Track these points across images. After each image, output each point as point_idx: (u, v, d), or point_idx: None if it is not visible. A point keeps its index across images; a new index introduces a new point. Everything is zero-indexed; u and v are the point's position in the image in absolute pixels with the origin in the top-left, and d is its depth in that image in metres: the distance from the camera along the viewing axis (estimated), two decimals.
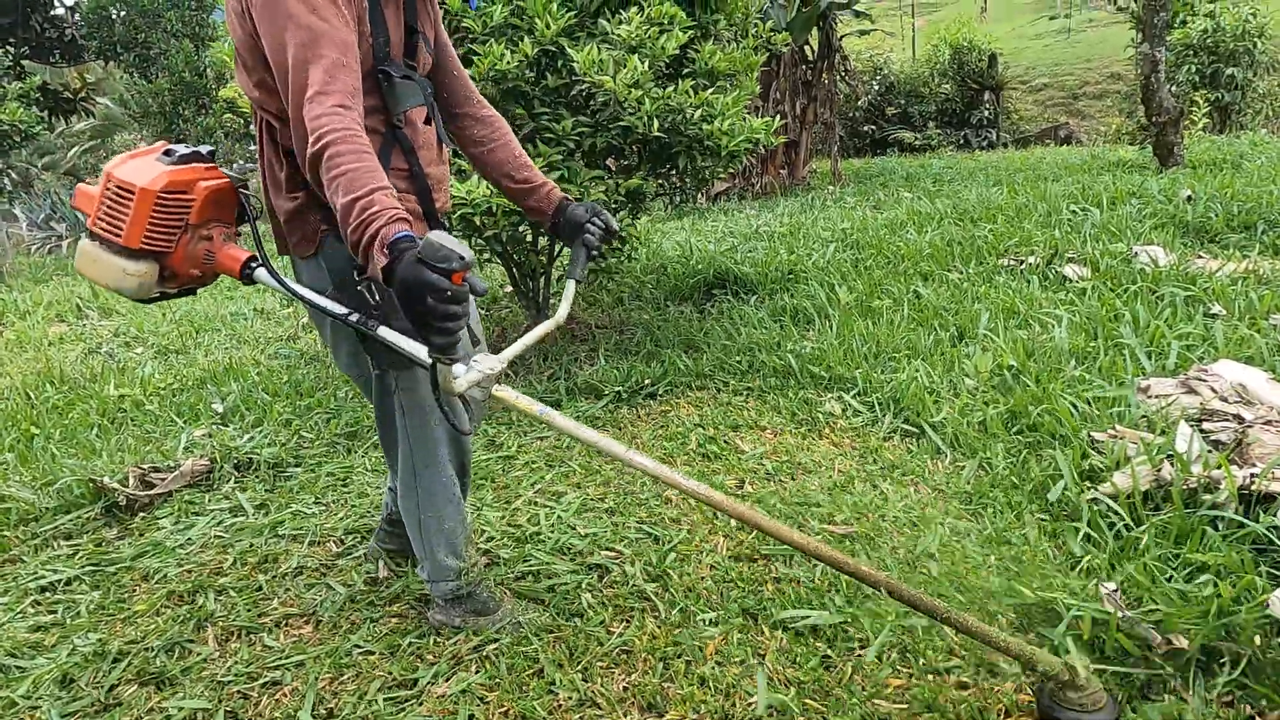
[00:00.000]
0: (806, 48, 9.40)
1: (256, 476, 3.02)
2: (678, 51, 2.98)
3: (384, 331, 1.54)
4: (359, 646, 1.97)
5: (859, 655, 1.75)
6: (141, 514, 2.83)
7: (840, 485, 2.48)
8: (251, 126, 1.87)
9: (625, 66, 2.80)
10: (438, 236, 1.26)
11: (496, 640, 1.92)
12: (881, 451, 2.66)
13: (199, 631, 2.09)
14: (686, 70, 3.32)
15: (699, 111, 3.09)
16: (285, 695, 1.83)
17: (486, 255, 3.68)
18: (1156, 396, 2.40)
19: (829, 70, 9.32)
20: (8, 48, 11.85)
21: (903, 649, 1.75)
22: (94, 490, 2.85)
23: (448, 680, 1.83)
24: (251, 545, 2.50)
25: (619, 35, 2.90)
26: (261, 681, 1.87)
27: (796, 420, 2.98)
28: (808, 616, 1.87)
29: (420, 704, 1.77)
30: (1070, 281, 3.81)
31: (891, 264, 4.50)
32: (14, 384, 4.48)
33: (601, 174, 3.19)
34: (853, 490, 2.44)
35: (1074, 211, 5.09)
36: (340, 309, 1.57)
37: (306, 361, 4.39)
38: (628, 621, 1.96)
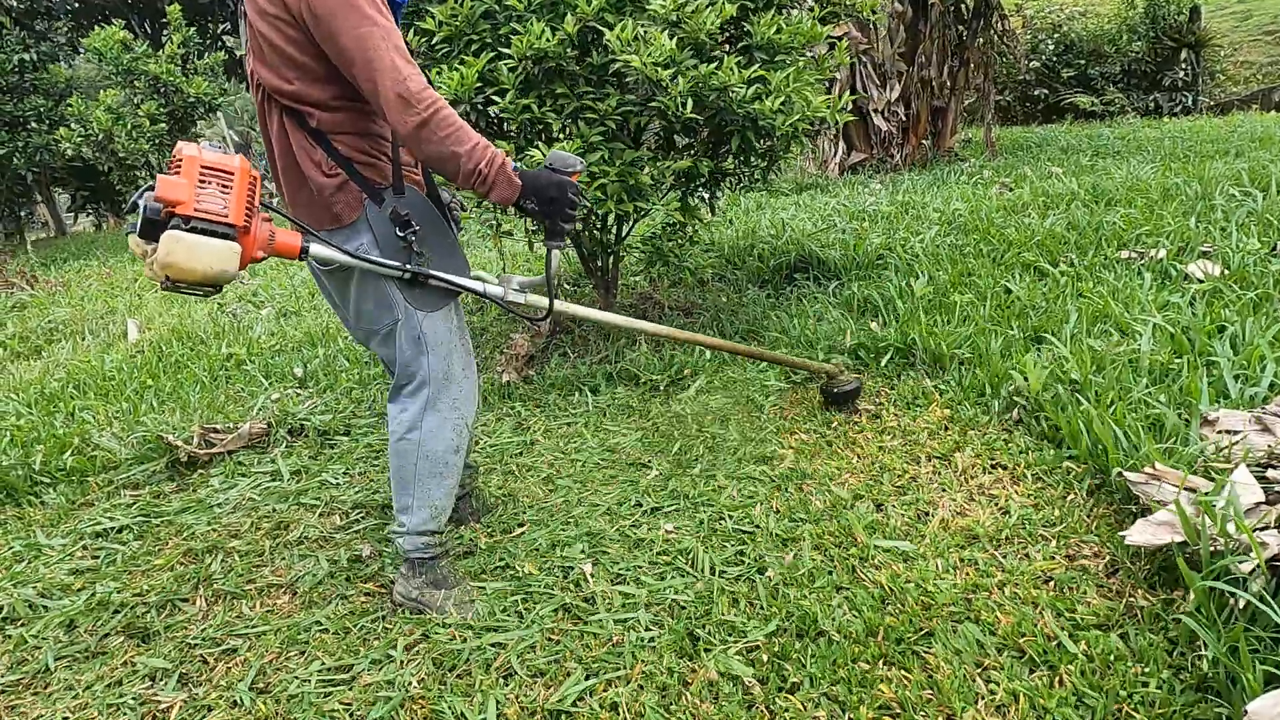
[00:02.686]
0: (961, 5, 8.67)
1: (305, 443, 3.20)
2: (718, 27, 2.81)
3: (436, 272, 1.88)
4: (318, 624, 2.04)
5: None
6: (200, 470, 3.07)
7: (845, 503, 2.30)
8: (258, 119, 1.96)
9: (653, 44, 2.67)
10: (559, 151, 1.88)
11: (441, 622, 1.98)
12: (886, 477, 2.43)
13: (194, 591, 2.24)
14: (742, 44, 3.13)
15: (751, 89, 2.90)
16: (237, 665, 1.93)
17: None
18: (1223, 432, 2.03)
19: (984, 30, 8.56)
20: (207, 23, 12.96)
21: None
22: (163, 445, 3.12)
23: (381, 669, 1.86)
24: (273, 511, 2.65)
25: (655, 9, 2.77)
26: (222, 648, 1.98)
27: (816, 428, 2.79)
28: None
29: (349, 689, 1.81)
30: (1191, 280, 3.31)
31: (994, 252, 4.09)
32: (153, 337, 4.99)
33: (643, 154, 3.08)
34: (859, 510, 2.25)
35: (1231, 196, 4.41)
36: (394, 263, 1.84)
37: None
38: (562, 634, 1.91)
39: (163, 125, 9.15)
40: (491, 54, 3.00)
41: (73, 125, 9.13)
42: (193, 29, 9.25)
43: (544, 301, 2.02)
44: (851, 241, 4.50)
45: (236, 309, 5.40)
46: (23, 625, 2.17)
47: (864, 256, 4.25)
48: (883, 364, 3.14)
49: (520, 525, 2.38)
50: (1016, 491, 2.26)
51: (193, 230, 1.59)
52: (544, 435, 3.01)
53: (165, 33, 9.37)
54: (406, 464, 2.01)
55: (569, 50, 2.95)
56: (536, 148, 2.93)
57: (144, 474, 3.07)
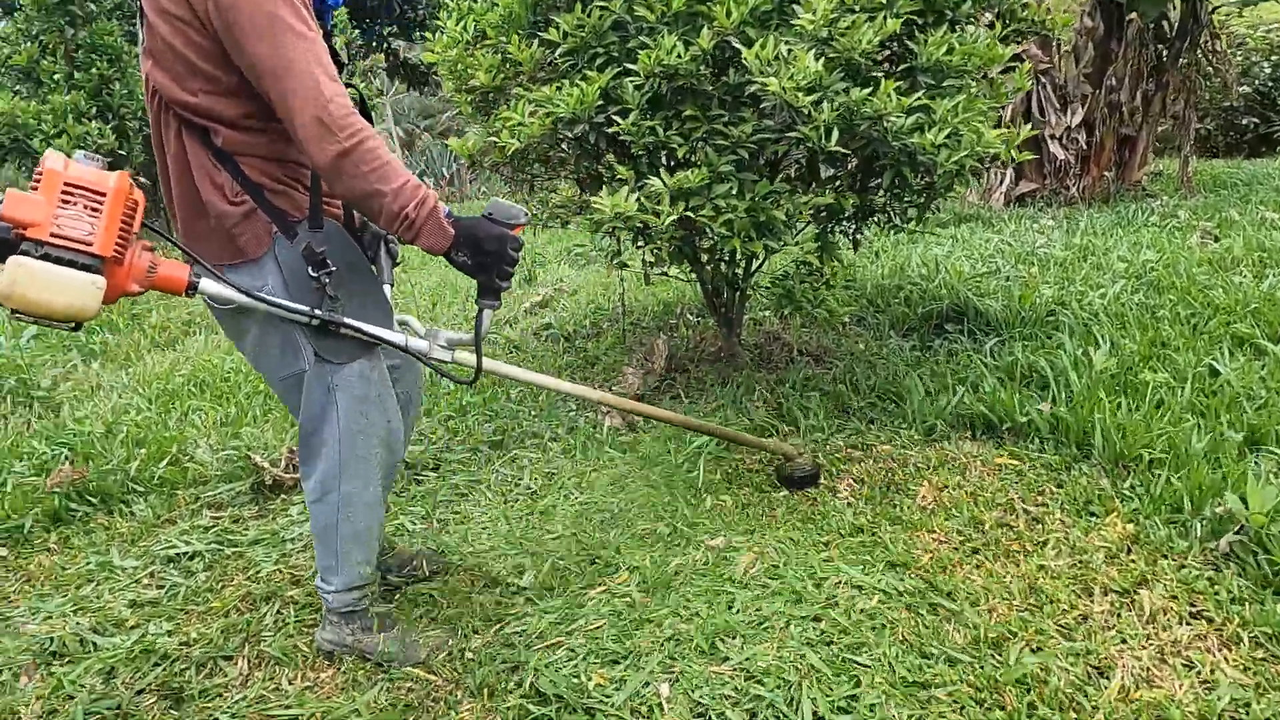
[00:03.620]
0: (1164, 23, 7.71)
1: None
2: (876, 45, 2.39)
3: (351, 321, 1.67)
4: (356, 713, 1.79)
5: None
6: (282, 496, 2.93)
7: (992, 643, 1.84)
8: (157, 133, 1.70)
9: (795, 65, 2.29)
10: (500, 200, 1.68)
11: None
12: (1048, 611, 1.95)
13: (240, 648, 2.05)
14: (905, 65, 2.69)
15: (910, 119, 2.47)
16: None
17: (661, 267, 3.35)
18: None
19: (1189, 50, 7.57)
20: (375, 26, 13.46)
21: None
22: (251, 465, 3.01)
23: None
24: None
25: (801, 25, 2.38)
26: None
27: (961, 526, 2.32)
28: None
29: None
30: None
31: (1195, 318, 3.44)
32: None
33: (779, 188, 2.70)
34: (1009, 655, 1.80)
35: None
36: (302, 307, 1.63)
37: (507, 350, 4.40)
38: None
39: None
40: (617, 69, 2.71)
41: None
42: (357, 30, 9.58)
43: (472, 360, 1.85)
44: (1017, 291, 3.93)
45: None
46: (69, 663, 2.05)
47: (1031, 311, 3.68)
48: (1048, 453, 2.63)
49: (582, 613, 2.05)
50: (1226, 659, 1.74)
51: (45, 258, 1.36)
52: (624, 502, 2.68)
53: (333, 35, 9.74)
54: (327, 525, 1.84)
55: (703, 68, 2.62)
56: (658, 175, 2.61)
57: (229, 493, 2.96)
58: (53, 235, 1.37)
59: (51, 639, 2.12)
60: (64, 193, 1.39)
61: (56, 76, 7.55)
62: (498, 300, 1.73)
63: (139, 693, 1.92)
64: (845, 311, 3.32)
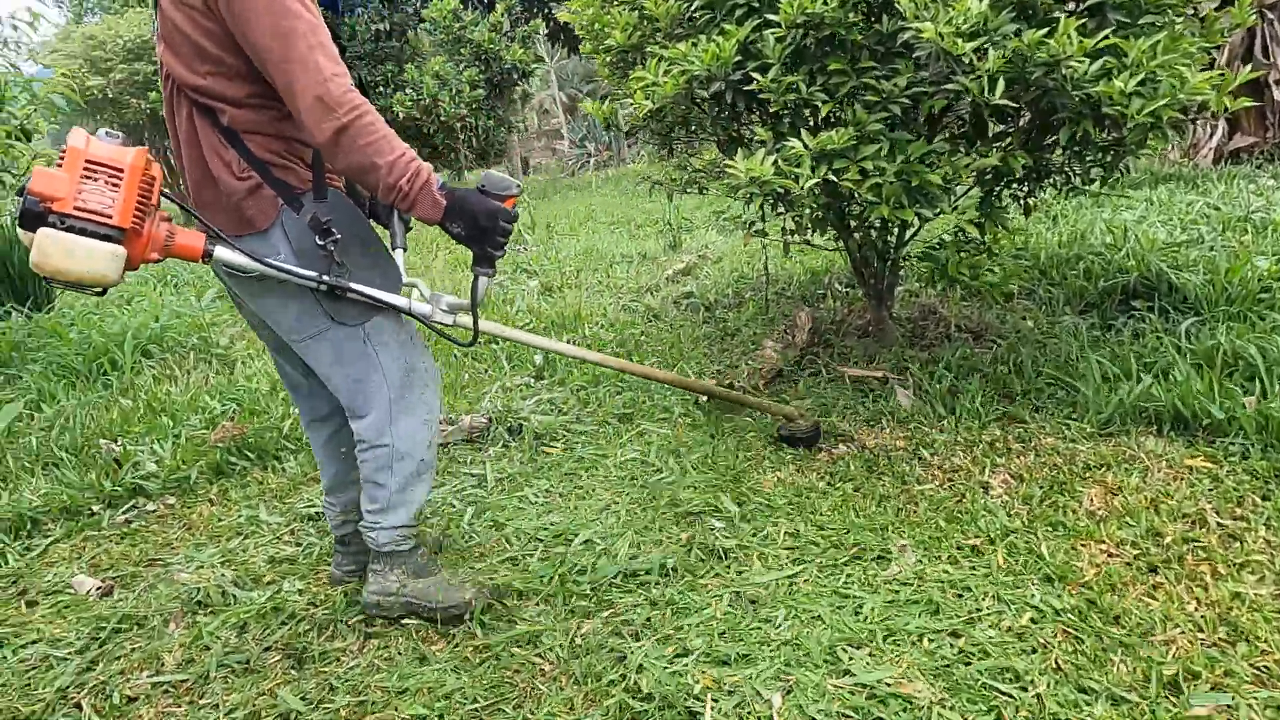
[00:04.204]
0: None
1: (520, 446, 3.00)
2: None
3: (357, 285, 1.75)
4: (460, 691, 1.77)
5: None
6: None
7: (1168, 681, 1.57)
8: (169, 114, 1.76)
9: (955, 7, 2.00)
10: (493, 173, 1.73)
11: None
12: (1241, 650, 1.63)
13: (361, 613, 2.08)
14: (1090, 1, 2.31)
15: (1094, 65, 2.13)
16: None
17: (807, 234, 3.13)
18: None
19: None
20: None
21: None
22: None
23: None
24: (461, 530, 2.46)
25: None
26: (359, 699, 1.78)
27: (1137, 537, 2.01)
28: None
29: None
30: None
31: None
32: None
33: (938, 148, 2.42)
34: (1188, 700, 1.53)
35: None
36: (310, 273, 1.71)
37: (646, 319, 4.31)
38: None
39: (481, 91, 9.76)
40: (757, 20, 2.51)
41: (407, 90, 10.04)
42: None
43: (487, 327, 1.95)
44: (1223, 263, 3.40)
45: (505, 280, 5.47)
46: (210, 614, 2.16)
47: (1240, 287, 3.17)
48: (1252, 458, 2.24)
49: (695, 605, 1.93)
50: None
51: (70, 230, 1.47)
52: (749, 486, 2.52)
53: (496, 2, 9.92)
54: (381, 470, 1.91)
55: (851, 15, 2.37)
56: (798, 135, 2.40)
57: None
58: (76, 208, 1.48)
59: (199, 589, 2.25)
60: (85, 169, 1.49)
61: None
62: (492, 268, 1.79)
63: (266, 649, 1.99)
64: (1007, 286, 3.00)
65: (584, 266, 5.60)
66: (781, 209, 2.83)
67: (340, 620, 2.06)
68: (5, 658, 2.09)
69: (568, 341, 3.96)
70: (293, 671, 1.90)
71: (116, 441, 3.36)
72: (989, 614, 1.79)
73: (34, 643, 2.15)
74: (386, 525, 1.96)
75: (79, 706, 1.87)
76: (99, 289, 1.58)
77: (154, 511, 2.88)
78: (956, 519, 2.18)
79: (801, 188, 2.30)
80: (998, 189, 2.78)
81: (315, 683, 1.85)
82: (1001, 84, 2.06)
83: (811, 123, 2.59)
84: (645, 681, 1.72)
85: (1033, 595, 1.83)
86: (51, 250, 1.47)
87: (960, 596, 1.87)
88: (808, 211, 2.63)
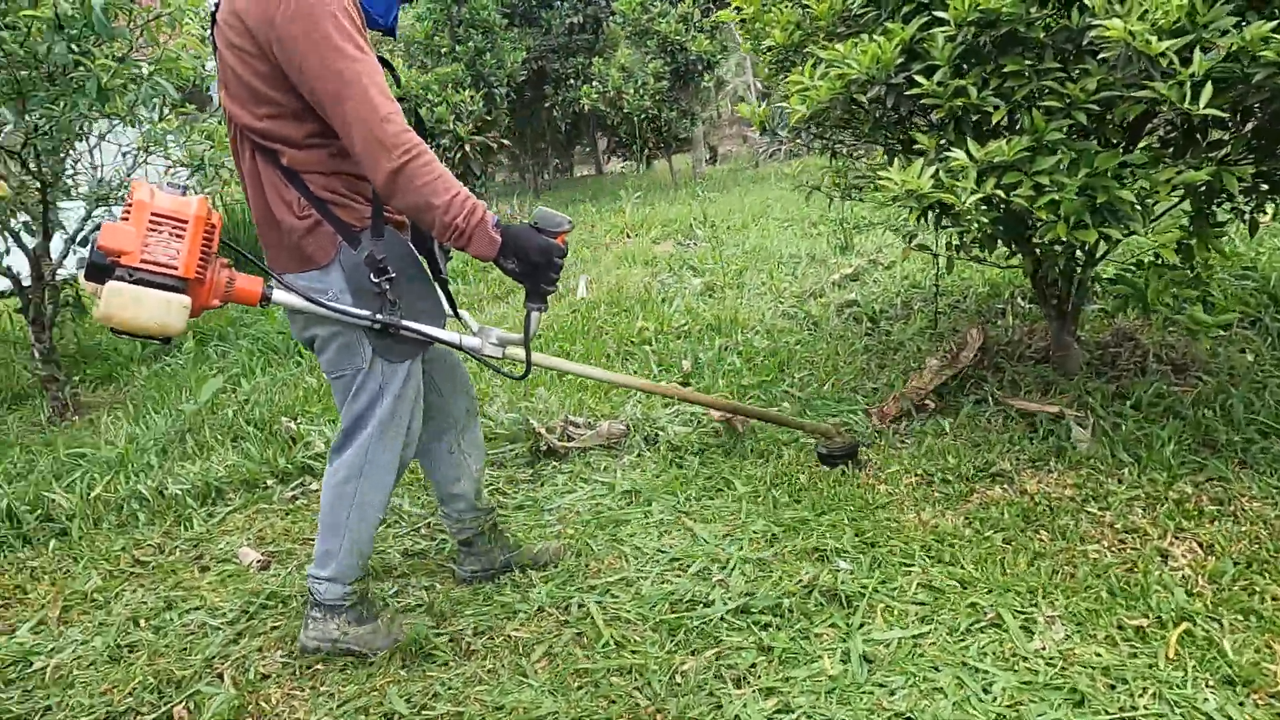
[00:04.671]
0: None
1: (654, 456, 2.96)
2: None
3: (410, 323, 1.80)
4: (555, 715, 1.75)
5: None
6: (554, 464, 3.02)
7: None
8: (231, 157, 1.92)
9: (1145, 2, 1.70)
10: (546, 210, 1.76)
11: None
12: None
13: (470, 620, 2.12)
14: None
15: None
16: None
17: (975, 250, 2.85)
18: None
19: None
20: None
21: None
22: (531, 430, 3.14)
23: None
24: (580, 541, 2.44)
25: None
26: (454, 708, 1.81)
27: None
28: None
29: None
30: None
31: None
32: (588, 299, 5.24)
33: (1136, 159, 2.11)
34: None
35: None
36: (364, 312, 1.76)
37: (805, 327, 4.13)
38: None
39: (665, 83, 9.79)
40: (924, 18, 2.29)
41: (594, 83, 10.24)
42: None
43: (522, 355, 1.97)
44: None
45: (668, 278, 5.44)
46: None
47: None
48: None
49: (807, 656, 1.79)
50: None
51: (138, 282, 1.51)
52: (883, 527, 2.31)
53: None
54: (339, 510, 1.93)
55: (1033, 9, 2.10)
56: (964, 146, 2.17)
57: (510, 454, 3.13)
58: (143, 261, 1.52)
59: None
60: (151, 222, 1.53)
61: (443, 50, 8.63)
62: (544, 304, 1.82)
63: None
64: (1233, 303, 2.59)
65: (749, 266, 5.47)
66: (947, 223, 2.59)
67: (453, 624, 2.11)
68: (171, 620, 2.32)
69: (721, 346, 3.87)
70: (402, 672, 1.96)
71: (295, 420, 3.65)
72: (1146, 716, 1.54)
73: (197, 609, 2.36)
74: (326, 574, 1.97)
75: (220, 677, 2.03)
76: (165, 338, 1.61)
77: (316, 491, 3.09)
78: (1123, 591, 1.90)
79: (962, 202, 2.08)
80: (1212, 205, 2.39)
81: (420, 686, 1.90)
82: (1209, 90, 1.74)
83: (980, 131, 2.33)
84: None
85: (1206, 700, 1.55)
86: (119, 303, 1.51)
87: (1113, 688, 1.62)
88: (975, 227, 2.38)
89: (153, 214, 1.54)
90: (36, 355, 4.41)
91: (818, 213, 6.79)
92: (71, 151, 4.47)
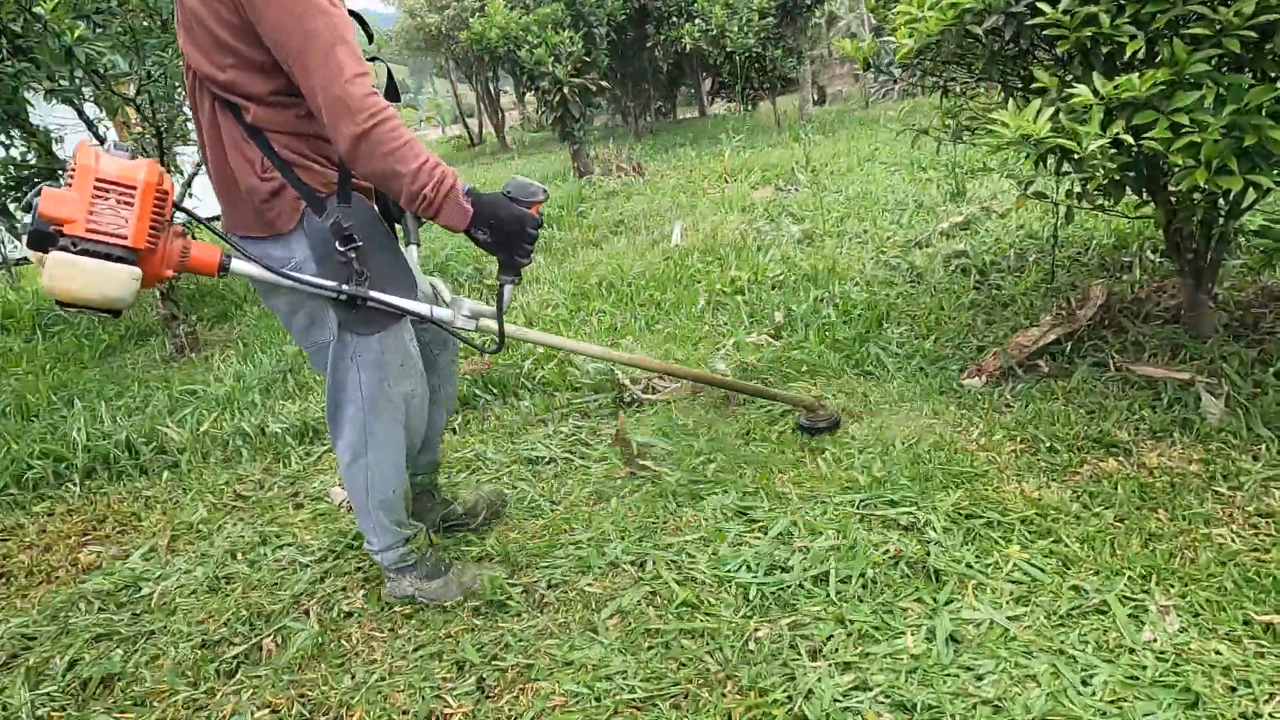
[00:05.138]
0: None
1: (744, 412, 2.86)
2: None
3: (377, 294, 1.71)
4: (624, 674, 1.73)
5: None
6: (638, 415, 2.98)
7: None
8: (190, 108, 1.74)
9: None
10: (520, 178, 1.67)
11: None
12: None
13: (545, 571, 2.12)
14: None
15: None
16: (528, 693, 1.74)
17: (1099, 198, 2.59)
18: None
19: None
20: None
21: None
22: (615, 381, 3.10)
23: None
24: (662, 494, 2.40)
25: None
26: (524, 660, 1.80)
27: None
28: None
29: None
30: None
31: None
32: (691, 243, 5.12)
33: None
34: None
35: None
36: (330, 283, 1.68)
37: (908, 279, 3.91)
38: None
39: (771, 19, 9.38)
40: None
41: (696, 20, 9.92)
42: None
43: (495, 327, 1.89)
44: None
45: (765, 225, 5.26)
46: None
47: None
48: None
49: (890, 633, 1.69)
50: None
51: (83, 252, 1.42)
52: (979, 496, 2.16)
53: None
54: (359, 491, 1.92)
55: None
56: (1088, 82, 1.95)
57: (594, 404, 3.10)
58: (88, 230, 1.42)
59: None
60: (96, 188, 1.42)
61: None
62: (517, 276, 1.75)
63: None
64: None
65: (851, 213, 5.22)
66: (1067, 168, 2.35)
67: (527, 576, 2.11)
68: (265, 555, 2.41)
69: (816, 298, 3.71)
70: (476, 620, 1.98)
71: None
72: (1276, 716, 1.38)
73: (289, 545, 2.45)
74: (376, 547, 2.00)
75: (307, 614, 2.10)
76: (114, 312, 1.51)
77: None
78: (1251, 582, 1.71)
79: (1084, 149, 1.87)
80: None
81: (492, 636, 1.91)
82: None
83: (1109, 64, 2.08)
84: (811, 710, 1.55)
85: None
86: (62, 275, 1.41)
87: (1233, 690, 1.46)
88: (1100, 173, 2.14)
89: (98, 180, 1.43)
90: (158, 294, 4.65)
91: (927, 157, 6.41)
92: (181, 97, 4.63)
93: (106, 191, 1.44)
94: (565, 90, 7.71)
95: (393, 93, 1.71)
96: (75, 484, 3.10)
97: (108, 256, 1.44)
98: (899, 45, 2.38)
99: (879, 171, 6.46)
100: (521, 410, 3.16)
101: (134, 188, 1.45)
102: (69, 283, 1.43)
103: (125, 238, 1.45)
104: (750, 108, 14.32)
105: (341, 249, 1.66)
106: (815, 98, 15.98)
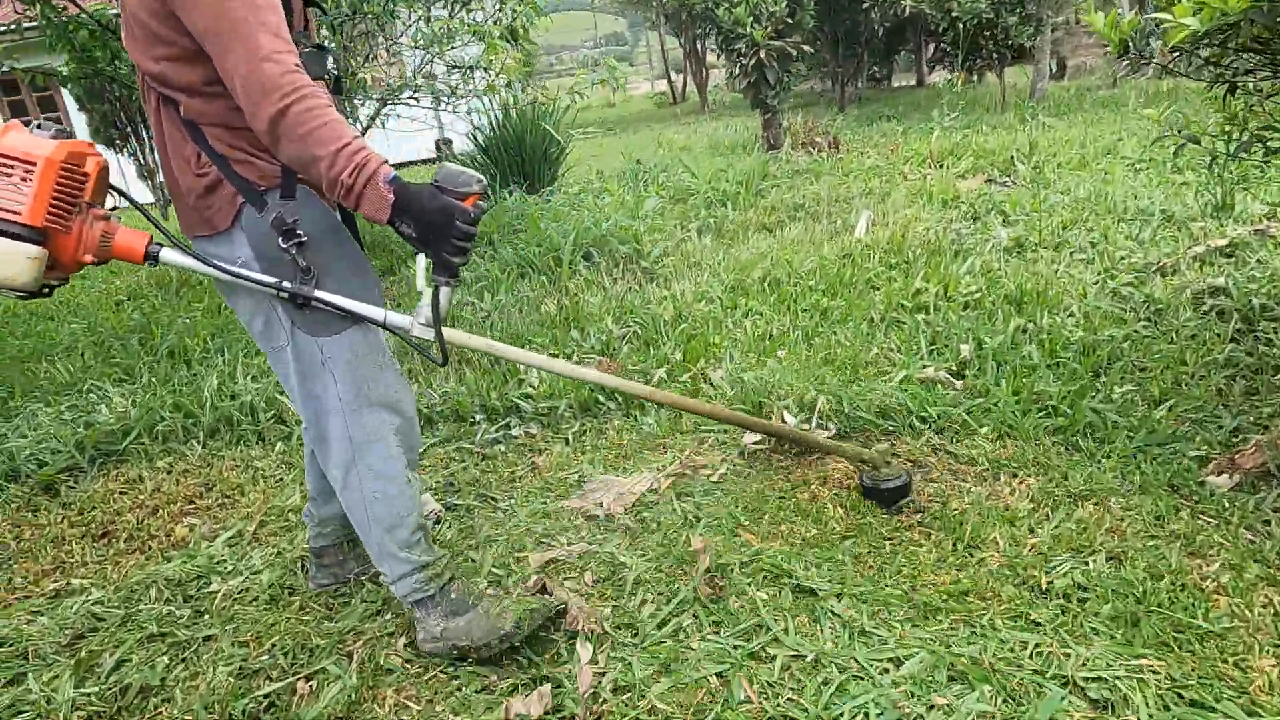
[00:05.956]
0: None
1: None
2: None
3: (322, 294, 1.60)
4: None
5: None
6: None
7: None
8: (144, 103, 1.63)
9: None
10: (452, 166, 1.52)
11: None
12: None
13: (652, 590, 1.75)
14: None
15: None
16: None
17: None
18: None
19: None
20: None
21: None
22: (758, 408, 2.65)
23: None
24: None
25: None
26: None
27: None
28: None
29: None
30: None
31: None
32: (879, 237, 4.49)
33: None
34: None
35: None
36: (268, 279, 1.58)
37: (1141, 317, 3.14)
38: None
39: None
40: None
41: None
42: None
43: (456, 338, 1.77)
44: None
45: (967, 226, 4.51)
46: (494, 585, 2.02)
47: None
48: None
49: None
50: None
51: None
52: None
53: None
54: (357, 511, 1.76)
55: None
56: None
57: (719, 437, 2.67)
58: None
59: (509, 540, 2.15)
60: None
61: None
62: (454, 276, 1.54)
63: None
64: None
65: (1077, 219, 4.36)
66: None
67: (637, 597, 1.75)
68: None
69: (1017, 329, 3.04)
70: (522, 675, 1.64)
71: (524, 346, 3.48)
72: None
73: None
74: (389, 578, 1.80)
75: (350, 657, 1.86)
76: (19, 293, 1.44)
77: (517, 438, 2.87)
78: None
79: None
80: None
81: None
82: None
83: None
84: None
85: None
86: None
87: None
88: None
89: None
90: None
91: (1188, 155, 5.31)
92: (370, 45, 4.56)
93: (11, 167, 1.39)
94: (761, 54, 7.11)
95: (337, 86, 1.65)
96: (199, 443, 3.08)
97: (4, 234, 1.39)
98: (1172, 25, 1.73)
99: (1119, 169, 5.44)
100: (643, 429, 2.79)
101: (33, 164, 1.38)
102: None
103: (19, 214, 1.38)
104: (976, 80, 12.97)
105: (284, 245, 1.56)
106: (1053, 69, 14.27)
